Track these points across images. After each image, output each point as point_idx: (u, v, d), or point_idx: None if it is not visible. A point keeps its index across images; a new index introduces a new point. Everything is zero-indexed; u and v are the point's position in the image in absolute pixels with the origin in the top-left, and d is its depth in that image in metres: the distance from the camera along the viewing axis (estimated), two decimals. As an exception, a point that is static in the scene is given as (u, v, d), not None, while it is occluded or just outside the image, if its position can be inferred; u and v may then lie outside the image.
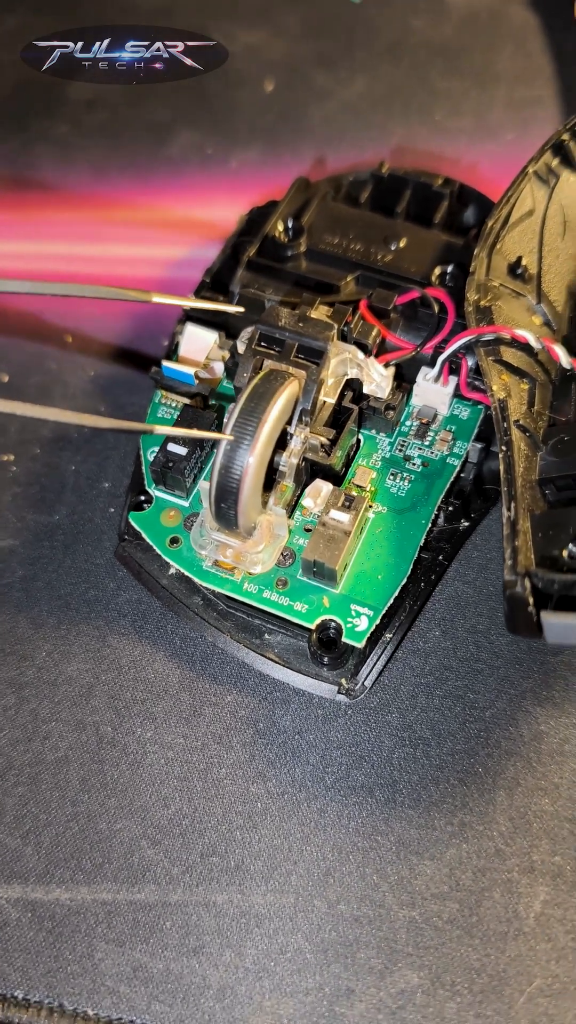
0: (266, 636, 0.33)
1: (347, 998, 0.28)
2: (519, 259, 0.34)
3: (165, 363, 0.36)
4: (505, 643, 0.34)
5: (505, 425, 0.31)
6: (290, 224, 0.38)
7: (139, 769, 0.32)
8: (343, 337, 0.34)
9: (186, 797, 0.32)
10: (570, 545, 0.28)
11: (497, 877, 0.30)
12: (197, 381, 0.36)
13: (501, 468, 0.30)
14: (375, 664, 0.32)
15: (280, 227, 0.38)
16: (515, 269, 0.34)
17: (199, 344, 0.37)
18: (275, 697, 0.33)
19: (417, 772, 0.32)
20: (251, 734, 0.32)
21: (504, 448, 0.30)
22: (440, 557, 0.34)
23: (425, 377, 0.35)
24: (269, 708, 0.33)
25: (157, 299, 0.32)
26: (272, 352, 0.33)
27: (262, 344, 0.33)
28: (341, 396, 0.34)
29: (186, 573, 0.34)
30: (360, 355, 0.34)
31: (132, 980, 0.29)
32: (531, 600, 0.27)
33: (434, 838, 0.31)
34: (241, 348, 0.34)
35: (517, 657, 0.33)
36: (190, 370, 0.36)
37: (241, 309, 0.34)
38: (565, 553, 0.28)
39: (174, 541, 0.34)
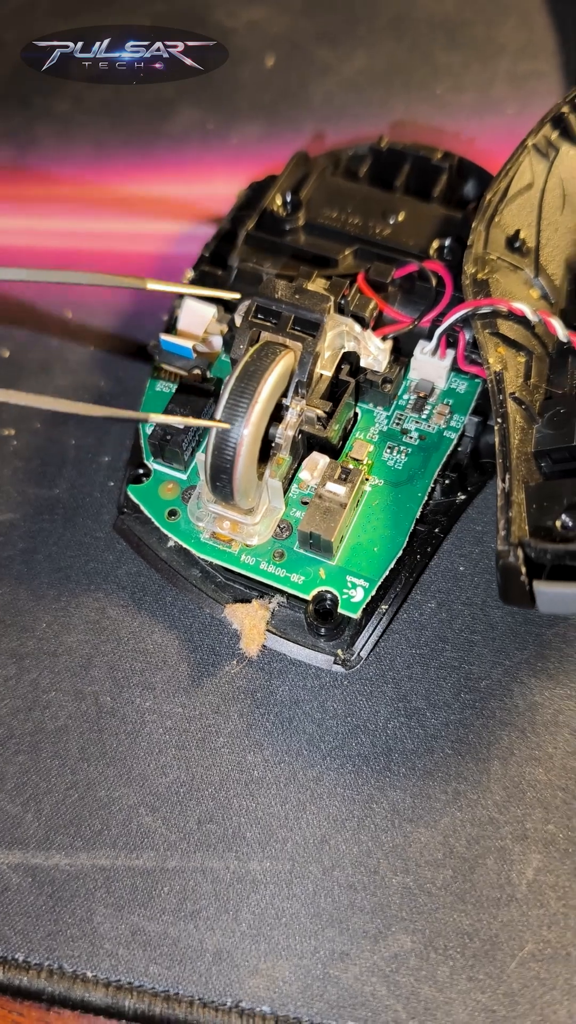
0: (263, 608, 0.34)
1: (341, 961, 0.29)
2: (517, 232, 0.34)
3: (163, 336, 0.36)
4: (500, 615, 0.34)
5: (501, 397, 0.31)
6: (288, 198, 0.38)
7: (138, 738, 0.32)
8: (340, 310, 0.35)
9: (184, 765, 0.32)
10: (563, 516, 0.28)
11: (491, 845, 0.30)
12: (195, 354, 0.36)
13: (496, 440, 0.30)
14: (371, 635, 0.33)
15: (278, 201, 0.38)
16: (513, 242, 0.34)
17: (197, 318, 0.37)
18: (272, 668, 0.33)
19: (412, 742, 0.32)
20: (248, 704, 0.33)
21: (500, 420, 0.31)
22: (436, 530, 0.34)
23: (423, 350, 0.35)
24: (266, 678, 0.33)
25: (152, 286, 0.32)
26: (269, 324, 0.33)
27: (259, 316, 0.33)
28: (338, 369, 0.34)
29: (184, 545, 0.34)
30: (357, 328, 0.34)
31: (130, 943, 0.29)
32: (524, 570, 0.27)
33: (428, 806, 0.31)
34: (238, 320, 0.34)
35: (512, 629, 0.34)
36: (188, 343, 0.36)
37: (237, 296, 0.34)
38: (558, 523, 0.28)
39: (172, 514, 0.35)
